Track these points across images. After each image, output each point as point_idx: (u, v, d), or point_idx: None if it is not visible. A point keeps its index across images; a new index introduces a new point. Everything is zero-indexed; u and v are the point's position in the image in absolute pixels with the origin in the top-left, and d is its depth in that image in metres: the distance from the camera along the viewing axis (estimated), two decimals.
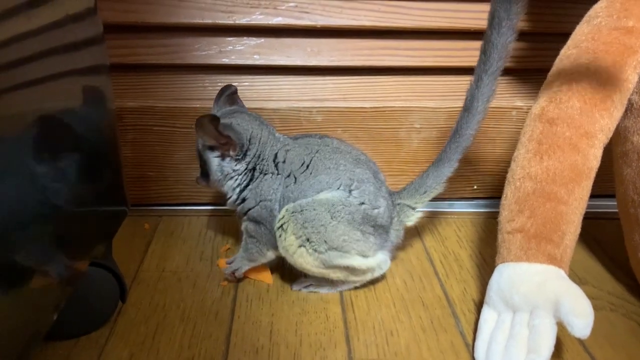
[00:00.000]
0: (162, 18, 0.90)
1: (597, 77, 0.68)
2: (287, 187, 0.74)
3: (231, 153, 0.75)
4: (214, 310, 0.74)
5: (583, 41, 0.70)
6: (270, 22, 0.92)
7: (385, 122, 0.98)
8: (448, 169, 0.77)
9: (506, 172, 0.73)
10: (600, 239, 0.94)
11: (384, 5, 0.93)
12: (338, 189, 0.73)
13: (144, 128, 0.95)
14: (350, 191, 0.73)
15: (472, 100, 0.71)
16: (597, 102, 0.68)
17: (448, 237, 0.95)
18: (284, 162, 0.75)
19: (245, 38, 0.95)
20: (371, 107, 0.97)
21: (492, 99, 0.72)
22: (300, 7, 0.92)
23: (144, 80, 0.96)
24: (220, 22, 0.91)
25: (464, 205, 1.05)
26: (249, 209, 0.76)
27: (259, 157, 0.75)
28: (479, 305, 0.73)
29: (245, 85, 0.98)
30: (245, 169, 0.76)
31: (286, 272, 0.80)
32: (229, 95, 0.81)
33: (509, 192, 0.71)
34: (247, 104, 0.94)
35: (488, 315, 0.68)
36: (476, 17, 0.94)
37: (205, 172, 0.78)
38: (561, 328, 0.61)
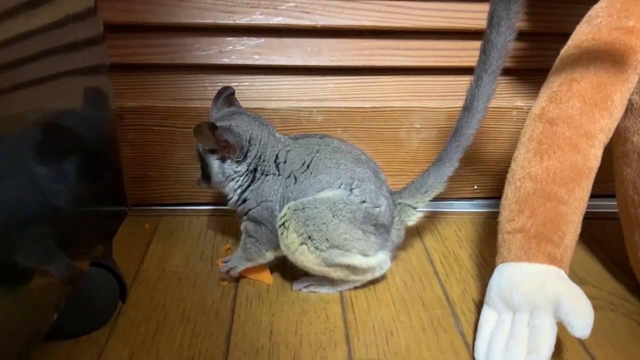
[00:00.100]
0: (162, 18, 0.90)
1: (597, 77, 0.68)
2: (287, 187, 0.74)
3: (231, 155, 0.75)
4: (214, 310, 0.74)
5: (583, 41, 0.70)
6: (270, 22, 0.92)
7: (385, 122, 0.98)
8: (449, 169, 0.77)
9: (506, 172, 0.73)
10: (601, 239, 0.94)
11: (384, 5, 0.93)
12: (339, 187, 0.73)
13: (144, 128, 0.95)
14: (351, 190, 0.73)
15: (473, 99, 0.71)
16: (597, 102, 0.68)
17: (448, 237, 0.95)
18: (284, 162, 0.75)
19: (245, 38, 0.95)
20: (371, 107, 0.97)
21: (492, 98, 0.72)
22: (301, 7, 0.92)
23: (144, 80, 0.96)
24: (220, 22, 0.91)
25: (464, 205, 1.05)
26: (250, 209, 0.76)
27: (260, 158, 0.75)
28: (479, 305, 0.73)
29: (246, 85, 0.98)
30: (247, 170, 0.76)
31: (286, 271, 0.80)
32: (227, 96, 0.81)
33: (509, 192, 0.71)
34: (248, 104, 0.94)
35: (488, 315, 0.68)
36: (476, 17, 0.94)
37: (206, 174, 0.78)
38: (561, 328, 0.61)
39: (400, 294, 0.79)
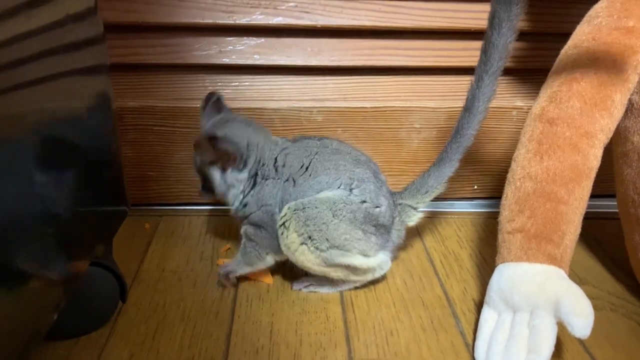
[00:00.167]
0: (162, 18, 0.90)
1: (597, 77, 0.68)
2: (285, 190, 0.74)
3: (232, 164, 0.75)
4: (214, 310, 0.74)
5: (583, 41, 0.70)
6: (270, 22, 0.92)
7: (385, 122, 0.98)
8: (449, 169, 0.77)
9: (506, 172, 0.73)
10: (601, 239, 0.94)
11: (385, 5, 0.93)
12: (338, 188, 0.73)
13: (144, 128, 0.95)
14: (351, 190, 0.73)
15: (473, 100, 0.71)
16: (597, 102, 0.68)
17: (448, 237, 0.95)
18: (283, 166, 0.75)
19: (245, 38, 0.95)
20: (371, 107, 0.97)
21: (493, 99, 0.72)
22: (301, 7, 0.92)
23: (144, 80, 0.96)
24: (220, 22, 0.91)
25: (464, 205, 1.05)
26: (250, 214, 0.76)
27: (259, 162, 0.75)
28: (479, 305, 0.73)
29: (246, 85, 0.98)
30: (248, 176, 0.75)
31: (286, 272, 0.80)
32: (215, 102, 0.80)
33: (509, 192, 0.71)
34: (248, 104, 0.95)
35: (488, 315, 0.68)
36: (476, 17, 0.94)
37: (207, 186, 0.78)
38: (561, 328, 0.61)
39: (401, 293, 0.79)
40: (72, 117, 0.60)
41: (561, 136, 0.68)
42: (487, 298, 0.69)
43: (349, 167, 0.74)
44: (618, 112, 0.69)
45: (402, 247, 0.86)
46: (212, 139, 0.71)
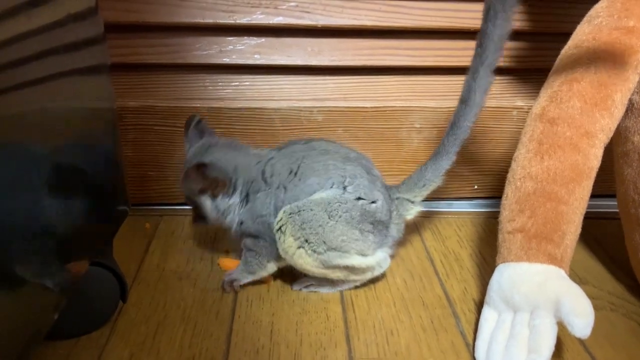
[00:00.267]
0: (163, 17, 0.90)
1: (597, 77, 0.68)
2: (278, 197, 0.74)
3: (221, 190, 0.74)
4: (214, 309, 0.74)
5: (584, 41, 0.70)
6: (271, 22, 0.92)
7: (386, 121, 0.98)
8: (446, 162, 0.77)
9: (507, 172, 0.73)
10: (601, 238, 0.94)
11: (385, 5, 0.93)
12: (331, 187, 0.73)
13: (144, 127, 0.95)
14: (344, 187, 0.73)
15: (470, 92, 0.71)
16: (597, 102, 0.68)
17: (448, 237, 0.95)
18: (271, 175, 0.74)
19: (246, 38, 0.95)
20: (372, 107, 0.97)
21: (489, 91, 0.71)
22: (301, 6, 0.92)
23: (145, 79, 0.97)
24: (221, 21, 0.91)
25: (464, 205, 1.05)
26: (247, 228, 0.76)
27: (248, 182, 0.75)
28: (480, 305, 0.73)
29: (246, 85, 0.98)
30: (240, 199, 0.76)
31: (286, 271, 0.80)
32: (196, 125, 0.80)
33: (509, 191, 0.71)
34: (248, 104, 0.95)
35: (488, 315, 0.68)
36: (477, 16, 0.93)
37: (200, 215, 0.77)
38: (562, 328, 0.61)
39: (401, 293, 0.79)
40: (72, 117, 0.60)
41: (562, 136, 0.68)
42: (487, 298, 0.69)
43: (338, 166, 0.74)
44: (618, 112, 0.69)
45: (402, 246, 0.86)
46: (200, 168, 0.71)
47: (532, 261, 0.65)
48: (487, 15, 0.65)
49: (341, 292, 0.78)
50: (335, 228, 0.71)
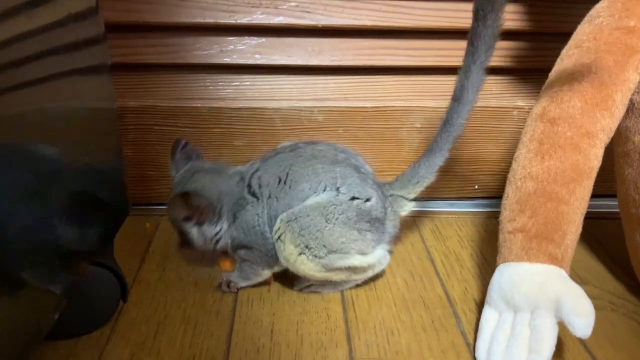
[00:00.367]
0: (163, 17, 0.90)
1: (598, 77, 0.68)
2: (271, 207, 0.73)
3: (206, 218, 0.74)
4: (215, 309, 0.74)
5: (584, 41, 0.70)
6: (271, 22, 0.92)
7: (386, 121, 0.98)
8: (440, 159, 0.77)
9: (507, 172, 0.73)
10: (602, 238, 0.94)
11: (385, 5, 0.93)
12: (324, 191, 0.73)
13: (145, 127, 0.95)
14: (337, 189, 0.73)
15: (462, 90, 0.71)
16: (598, 102, 0.68)
17: (449, 237, 0.95)
18: (260, 187, 0.74)
19: (246, 37, 0.95)
20: (372, 107, 0.97)
21: (481, 89, 0.71)
22: (302, 6, 0.92)
23: (145, 79, 0.97)
24: (221, 21, 0.91)
25: (465, 205, 1.05)
26: (240, 241, 0.76)
27: (234, 204, 0.75)
28: (480, 305, 0.73)
29: (247, 85, 0.98)
30: (228, 226, 0.75)
31: (287, 272, 0.80)
32: (182, 149, 0.80)
33: (510, 191, 0.71)
34: (249, 104, 0.95)
35: (489, 315, 0.68)
36: None
37: (186, 241, 0.77)
38: (562, 328, 0.61)
39: (401, 293, 0.79)
40: (73, 116, 0.60)
41: (562, 136, 0.68)
42: (488, 298, 0.69)
43: (327, 168, 0.74)
44: (619, 112, 0.69)
45: (403, 247, 0.86)
46: (184, 197, 0.71)
47: (532, 261, 0.65)
48: (476, 16, 0.65)
49: (342, 292, 0.78)
50: (334, 231, 0.71)
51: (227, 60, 0.95)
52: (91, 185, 0.65)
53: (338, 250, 0.71)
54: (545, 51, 0.97)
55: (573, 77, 0.69)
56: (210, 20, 0.91)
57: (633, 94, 0.69)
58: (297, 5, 0.92)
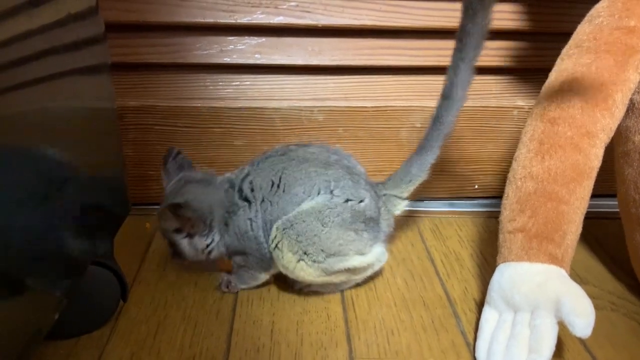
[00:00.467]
0: (163, 17, 0.90)
1: (598, 76, 0.68)
2: (265, 211, 0.73)
3: (197, 230, 0.74)
4: (215, 309, 0.74)
5: (584, 41, 0.70)
6: (271, 22, 0.92)
7: (386, 121, 0.98)
8: (431, 157, 0.77)
9: (507, 172, 0.73)
10: (602, 238, 0.94)
11: (386, 5, 0.93)
12: (318, 194, 0.72)
13: (145, 127, 0.95)
14: (331, 192, 0.72)
15: (451, 87, 0.71)
16: (598, 102, 0.68)
17: (449, 237, 0.95)
18: (252, 190, 0.74)
19: (246, 37, 0.95)
20: (372, 107, 0.97)
21: (470, 85, 0.71)
22: (302, 6, 0.92)
23: (145, 79, 0.96)
24: (221, 21, 0.91)
25: (465, 204, 1.05)
26: (234, 247, 0.75)
27: (225, 212, 0.74)
28: (480, 305, 0.73)
29: (247, 85, 0.98)
30: (220, 237, 0.75)
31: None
32: (175, 158, 0.80)
33: (510, 191, 0.71)
34: (249, 103, 0.94)
35: (489, 314, 0.68)
36: None
37: (177, 252, 0.77)
38: (562, 328, 0.61)
39: (401, 293, 0.79)
40: (73, 116, 0.60)
41: (562, 136, 0.68)
42: (488, 298, 0.69)
43: (320, 172, 0.73)
44: (619, 112, 0.69)
45: (403, 247, 0.86)
46: (174, 208, 0.71)
47: (532, 261, 0.65)
48: (466, 14, 0.65)
49: (342, 292, 0.78)
50: (331, 234, 0.71)
51: (227, 60, 0.95)
52: (91, 185, 0.65)
53: (336, 253, 0.71)
54: (545, 51, 0.97)
55: (573, 77, 0.69)
56: (210, 20, 0.91)
57: (633, 94, 0.69)
58: (297, 5, 0.92)
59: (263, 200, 0.73)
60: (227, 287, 0.77)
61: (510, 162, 0.72)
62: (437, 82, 1.01)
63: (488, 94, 1.02)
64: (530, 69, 1.00)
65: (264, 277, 0.78)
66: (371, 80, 1.00)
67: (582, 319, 0.59)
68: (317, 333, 0.70)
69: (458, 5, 0.93)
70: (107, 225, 0.72)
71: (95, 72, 0.66)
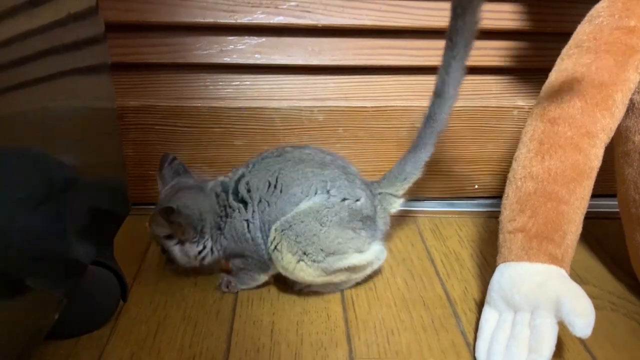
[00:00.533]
0: (163, 17, 0.90)
1: (598, 76, 0.68)
2: (263, 212, 0.73)
3: (188, 237, 0.74)
4: (215, 309, 0.74)
5: (584, 41, 0.70)
6: (271, 22, 0.92)
7: (386, 121, 0.98)
8: (425, 154, 0.77)
9: (507, 172, 0.73)
10: (602, 238, 0.94)
11: (386, 5, 0.93)
12: (315, 194, 0.73)
13: (145, 127, 0.95)
14: (328, 192, 0.73)
15: (443, 85, 0.71)
16: (598, 102, 0.68)
17: (449, 237, 0.95)
18: (248, 191, 0.74)
19: (246, 37, 0.95)
20: (372, 107, 0.97)
21: (462, 83, 0.72)
22: (302, 6, 0.92)
23: (145, 79, 0.96)
24: (221, 21, 0.91)
25: (465, 204, 1.05)
26: (232, 250, 0.75)
27: (216, 217, 0.74)
28: (480, 305, 0.73)
29: (247, 85, 0.98)
30: (211, 245, 0.75)
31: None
32: (171, 164, 0.80)
33: (510, 191, 0.71)
34: (249, 103, 0.94)
35: (489, 314, 0.68)
36: None
37: (169, 258, 0.77)
38: (562, 328, 0.61)
39: (401, 293, 0.79)
40: (73, 116, 0.60)
41: (562, 136, 0.68)
42: (488, 298, 0.69)
43: (317, 172, 0.74)
44: (619, 112, 0.69)
45: (403, 247, 0.86)
46: (165, 213, 0.70)
47: (532, 261, 0.65)
48: (455, 12, 0.66)
49: (342, 292, 0.78)
50: (329, 233, 0.71)
51: (227, 59, 0.95)
52: (91, 184, 0.65)
53: (336, 252, 0.71)
54: (545, 51, 0.97)
55: (573, 77, 0.69)
56: (210, 19, 0.91)
57: (633, 94, 0.69)
58: (297, 5, 0.92)
59: (260, 201, 0.73)
60: (227, 288, 0.77)
61: (510, 162, 0.72)
62: None
63: (488, 94, 1.02)
64: (530, 69, 1.00)
65: (263, 278, 0.78)
66: (371, 80, 1.00)
67: (582, 319, 0.59)
68: (317, 333, 0.70)
69: None
70: (107, 225, 0.72)
71: (95, 72, 0.66)
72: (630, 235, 0.77)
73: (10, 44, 0.45)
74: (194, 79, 0.97)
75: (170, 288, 0.78)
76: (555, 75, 0.72)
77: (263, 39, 0.95)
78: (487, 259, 0.87)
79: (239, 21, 0.92)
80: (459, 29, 0.67)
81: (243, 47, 0.95)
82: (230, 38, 0.94)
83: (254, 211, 0.73)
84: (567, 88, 0.69)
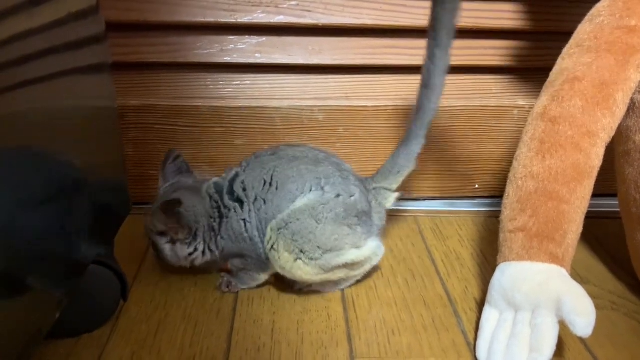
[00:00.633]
0: (164, 16, 0.90)
1: (599, 76, 0.68)
2: (259, 210, 0.73)
3: (180, 237, 0.74)
4: (215, 308, 0.74)
5: (585, 40, 0.70)
6: (272, 21, 0.92)
7: (387, 121, 0.98)
8: (417, 146, 0.77)
9: (508, 171, 0.72)
10: (602, 238, 0.94)
11: (386, 4, 0.93)
12: (310, 191, 0.73)
13: (145, 126, 0.95)
14: (322, 188, 0.73)
15: (429, 75, 0.72)
16: (599, 101, 0.68)
17: (450, 236, 0.95)
18: (244, 190, 0.74)
19: (247, 37, 0.95)
20: (373, 106, 0.97)
21: (448, 72, 0.72)
22: (302, 5, 0.92)
23: (145, 78, 0.97)
24: (222, 20, 0.91)
25: (465, 204, 1.05)
26: (230, 250, 0.75)
27: (211, 218, 0.74)
28: (481, 304, 0.73)
29: (247, 84, 0.98)
30: (203, 248, 0.75)
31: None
32: (173, 162, 0.80)
33: (511, 191, 0.71)
34: (249, 103, 0.94)
35: (490, 314, 0.68)
36: (477, 15, 0.94)
37: (159, 255, 0.77)
38: (563, 327, 0.61)
39: (402, 292, 0.79)
40: (73, 115, 0.60)
41: (563, 135, 0.68)
42: (488, 297, 0.69)
43: (311, 169, 0.74)
44: (620, 111, 0.69)
45: (403, 246, 0.86)
46: (169, 205, 0.70)
47: (533, 260, 0.65)
48: (435, 1, 0.67)
49: (342, 291, 0.78)
50: (326, 230, 0.71)
51: (227, 59, 0.95)
52: (92, 184, 0.65)
53: (333, 249, 0.71)
54: (545, 50, 0.97)
55: (574, 76, 0.69)
56: (210, 19, 0.91)
57: (634, 93, 0.69)
58: (298, 4, 0.92)
59: (256, 199, 0.73)
60: (228, 288, 0.77)
61: (511, 162, 0.72)
62: None
63: (488, 94, 1.02)
64: (530, 68, 1.00)
65: (263, 277, 0.78)
66: (372, 80, 1.00)
67: (583, 318, 0.59)
68: (317, 332, 0.70)
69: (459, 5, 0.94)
70: (108, 225, 0.72)
71: (95, 71, 0.66)
72: (631, 235, 0.77)
73: (11, 43, 0.45)
74: (194, 79, 0.97)
75: (171, 287, 0.78)
76: (555, 75, 0.72)
77: (263, 39, 0.95)
78: (488, 259, 0.87)
79: (239, 20, 0.92)
80: (440, 16, 0.68)
81: (243, 46, 0.95)
82: (230, 37, 0.94)
83: (250, 210, 0.73)
84: (567, 87, 0.69)
